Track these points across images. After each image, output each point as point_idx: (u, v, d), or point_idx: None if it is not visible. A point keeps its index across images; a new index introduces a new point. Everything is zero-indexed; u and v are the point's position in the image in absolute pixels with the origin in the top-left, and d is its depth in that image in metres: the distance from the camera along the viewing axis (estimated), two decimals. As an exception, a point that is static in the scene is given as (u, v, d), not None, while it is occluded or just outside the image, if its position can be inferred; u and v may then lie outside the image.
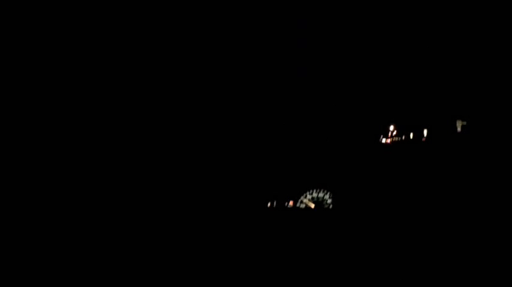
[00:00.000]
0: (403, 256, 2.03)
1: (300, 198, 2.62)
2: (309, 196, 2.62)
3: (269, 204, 2.58)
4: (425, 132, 2.30)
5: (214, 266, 2.17)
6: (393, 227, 2.19)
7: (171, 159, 2.55)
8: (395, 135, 2.40)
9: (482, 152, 2.09)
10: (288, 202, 2.61)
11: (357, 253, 2.11)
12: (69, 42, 2.38)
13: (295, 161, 2.69)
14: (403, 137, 2.35)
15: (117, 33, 2.41)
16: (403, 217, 2.20)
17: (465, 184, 2.09)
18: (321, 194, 2.59)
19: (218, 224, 2.35)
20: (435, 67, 2.17)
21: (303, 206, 2.60)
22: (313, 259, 2.14)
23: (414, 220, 2.15)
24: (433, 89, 2.21)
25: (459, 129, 2.15)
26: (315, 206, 2.58)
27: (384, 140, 2.45)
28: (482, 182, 2.04)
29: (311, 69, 2.39)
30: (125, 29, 2.41)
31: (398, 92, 2.25)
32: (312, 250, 2.18)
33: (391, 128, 2.42)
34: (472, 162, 2.11)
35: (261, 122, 2.57)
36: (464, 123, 2.14)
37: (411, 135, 2.33)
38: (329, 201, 2.55)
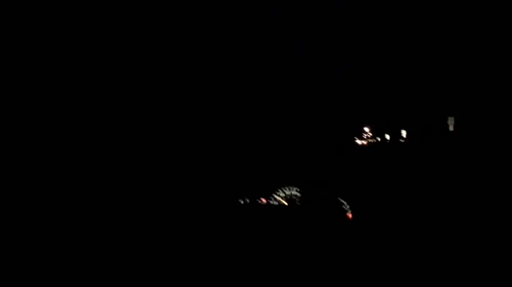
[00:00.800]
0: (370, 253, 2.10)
1: (272, 195, 2.63)
2: (281, 193, 2.64)
3: (242, 201, 2.57)
4: (403, 133, 2.54)
5: (193, 263, 2.10)
6: (366, 225, 2.29)
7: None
8: (372, 137, 2.60)
9: (468, 151, 2.29)
10: (261, 199, 2.61)
11: (329, 250, 2.16)
12: (69, 42, 2.18)
13: (269, 159, 2.71)
14: (380, 138, 2.55)
15: (117, 33, 2.27)
16: (375, 217, 2.30)
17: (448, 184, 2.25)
18: (293, 192, 2.62)
19: (195, 221, 2.30)
20: (439, 68, 2.39)
21: (275, 203, 2.62)
22: (288, 255, 2.14)
23: (387, 220, 2.26)
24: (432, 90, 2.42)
25: (451, 127, 2.39)
26: (287, 203, 2.60)
27: (359, 142, 2.63)
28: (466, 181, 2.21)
29: (311, 69, 2.46)
30: (125, 29, 2.28)
31: (396, 92, 2.41)
32: (287, 246, 2.19)
33: (367, 129, 2.62)
34: (456, 162, 2.29)
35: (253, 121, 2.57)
36: (453, 121, 2.39)
37: (387, 136, 2.54)
38: (302, 198, 2.59)
